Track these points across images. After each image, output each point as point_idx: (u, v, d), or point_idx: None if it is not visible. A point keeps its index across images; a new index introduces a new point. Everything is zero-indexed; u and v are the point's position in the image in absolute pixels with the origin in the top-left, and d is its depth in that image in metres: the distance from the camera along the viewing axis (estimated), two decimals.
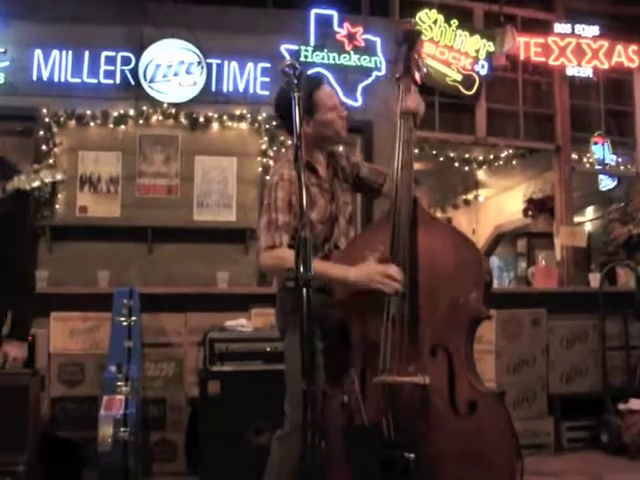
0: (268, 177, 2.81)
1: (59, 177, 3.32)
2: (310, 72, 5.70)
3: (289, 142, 4.93)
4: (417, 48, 2.77)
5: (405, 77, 2.76)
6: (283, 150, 2.97)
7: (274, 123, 5.68)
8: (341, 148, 3.02)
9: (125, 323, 4.30)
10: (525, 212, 9.86)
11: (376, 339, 2.51)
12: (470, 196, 11.39)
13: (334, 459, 2.47)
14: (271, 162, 5.73)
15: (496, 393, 2.53)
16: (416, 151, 7.18)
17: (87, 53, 5.75)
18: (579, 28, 6.85)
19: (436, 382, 2.45)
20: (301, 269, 1.83)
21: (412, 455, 2.38)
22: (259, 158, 5.90)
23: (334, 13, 6.15)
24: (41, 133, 5.68)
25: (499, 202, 11.28)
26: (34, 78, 5.71)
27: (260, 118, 5.92)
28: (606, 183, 8.30)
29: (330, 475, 2.46)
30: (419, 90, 2.80)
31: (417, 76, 2.77)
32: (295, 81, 2.08)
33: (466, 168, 8.40)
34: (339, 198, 2.87)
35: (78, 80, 5.76)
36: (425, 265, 2.54)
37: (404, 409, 2.44)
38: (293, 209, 2.60)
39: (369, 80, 6.13)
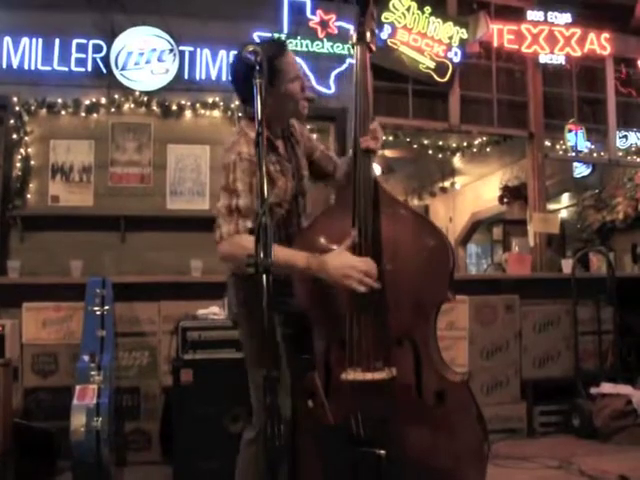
0: (224, 153, 2.57)
1: None
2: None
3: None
4: (370, 10, 2.58)
5: (359, 43, 2.58)
6: (241, 123, 2.70)
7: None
8: (295, 121, 2.84)
9: (98, 312, 4.31)
10: (500, 199, 9.94)
11: (341, 333, 2.40)
12: (447, 184, 11.45)
13: (306, 460, 2.43)
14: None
15: (463, 380, 2.49)
16: (390, 138, 7.28)
17: (57, 41, 5.66)
18: (552, 15, 6.87)
19: (403, 374, 2.39)
20: (261, 255, 1.80)
21: (382, 452, 2.31)
22: None
23: (307, 0, 6.12)
24: (12, 122, 5.60)
25: (476, 189, 11.35)
26: (4, 66, 5.61)
27: (233, 106, 5.86)
28: (580, 170, 8.39)
29: (304, 476, 2.45)
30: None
31: (372, 44, 2.59)
32: (257, 67, 2.06)
33: (440, 155, 8.42)
34: (297, 173, 2.70)
35: (49, 68, 5.67)
36: (388, 251, 2.43)
37: (372, 404, 2.36)
38: (254, 190, 2.40)
39: (342, 67, 6.10)
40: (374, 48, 2.63)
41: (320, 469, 2.44)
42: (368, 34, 2.58)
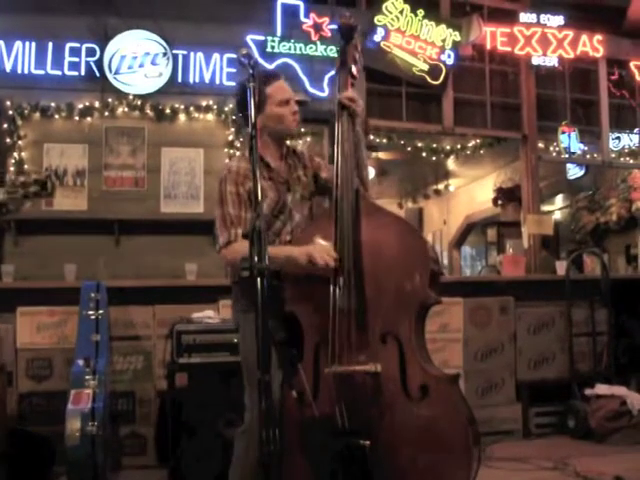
0: None
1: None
2: (270, 67, 5.73)
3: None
4: (354, 42, 2.78)
5: (342, 71, 2.77)
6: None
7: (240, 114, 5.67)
8: (302, 147, 3.01)
9: (92, 317, 4.28)
10: (495, 201, 9.94)
11: (326, 330, 2.52)
12: (441, 186, 11.45)
13: (292, 452, 2.48)
14: (238, 153, 5.70)
15: (448, 376, 2.57)
16: (384, 141, 7.27)
17: (51, 44, 5.66)
18: (544, 18, 6.89)
19: (387, 369, 2.47)
20: (255, 259, 1.82)
21: (367, 442, 2.40)
22: (226, 149, 5.87)
23: (300, 3, 6.13)
24: (5, 126, 5.59)
25: (470, 192, 11.36)
26: None
27: (226, 109, 5.88)
28: (574, 172, 8.40)
29: (289, 468, 2.47)
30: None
31: (354, 69, 2.78)
32: (250, 71, 2.08)
33: (434, 158, 8.43)
34: (295, 192, 2.86)
35: (42, 72, 5.66)
36: (370, 254, 2.57)
37: (357, 397, 2.46)
38: (242, 200, 2.66)
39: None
40: (357, 75, 2.81)
41: (306, 460, 2.49)
42: (352, 64, 2.77)
